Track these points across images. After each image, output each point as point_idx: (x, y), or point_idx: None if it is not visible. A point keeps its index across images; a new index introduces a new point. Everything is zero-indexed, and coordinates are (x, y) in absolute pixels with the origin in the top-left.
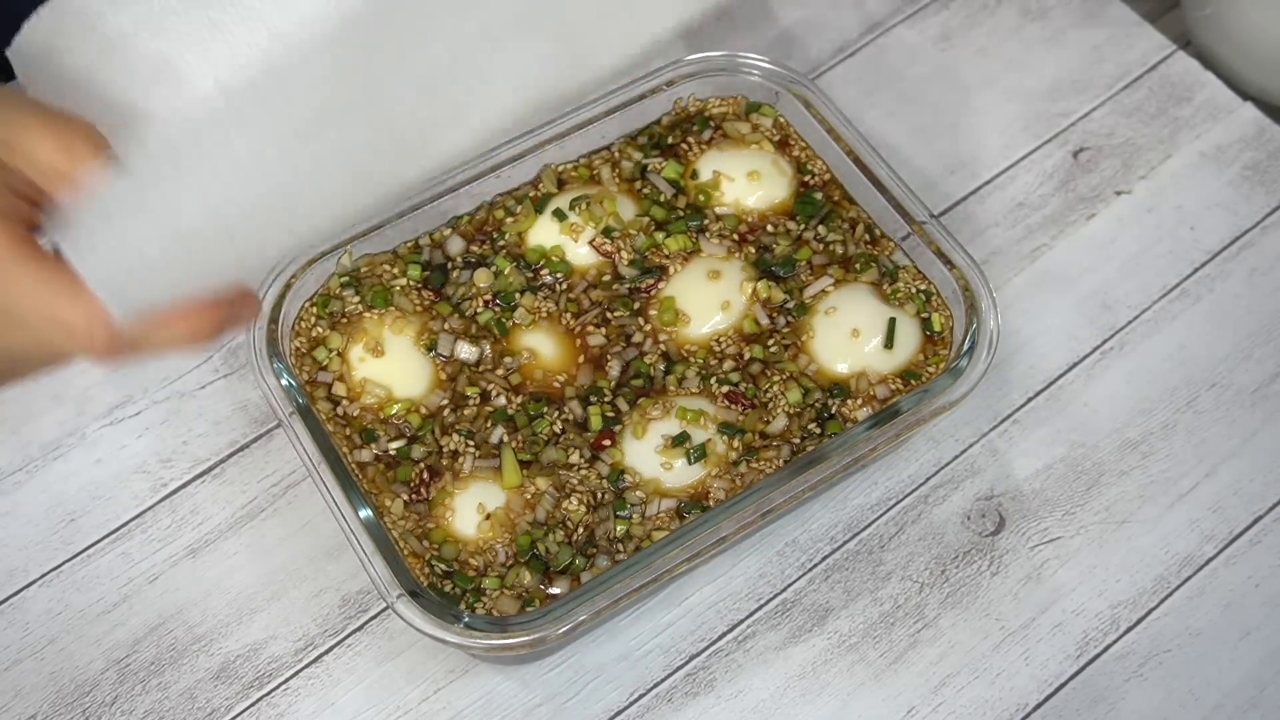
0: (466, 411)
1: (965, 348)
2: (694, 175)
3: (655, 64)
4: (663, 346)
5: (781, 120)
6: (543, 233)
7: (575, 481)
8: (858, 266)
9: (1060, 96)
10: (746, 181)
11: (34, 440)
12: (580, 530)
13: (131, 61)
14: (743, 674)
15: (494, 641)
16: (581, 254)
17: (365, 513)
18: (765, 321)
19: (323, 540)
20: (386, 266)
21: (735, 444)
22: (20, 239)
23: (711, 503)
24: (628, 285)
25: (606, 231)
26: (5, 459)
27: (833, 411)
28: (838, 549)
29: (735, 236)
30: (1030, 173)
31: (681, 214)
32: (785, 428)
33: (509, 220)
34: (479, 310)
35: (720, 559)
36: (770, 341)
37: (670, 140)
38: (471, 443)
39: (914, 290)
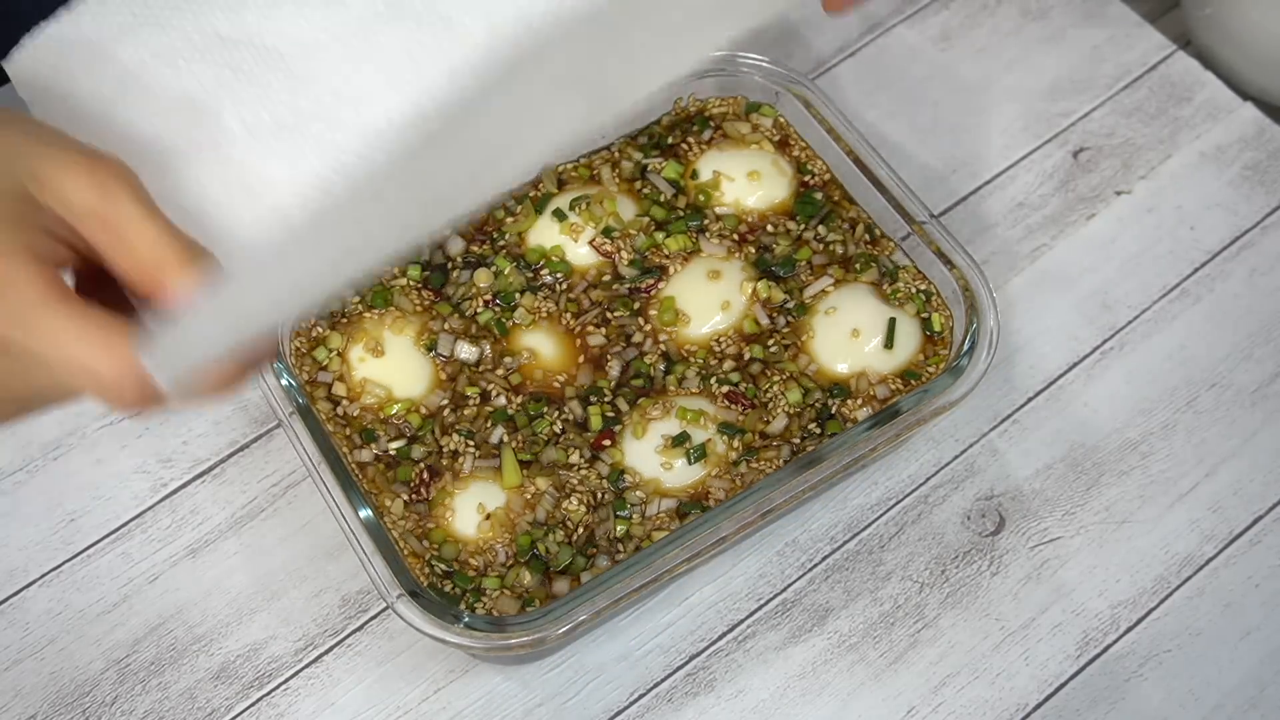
0: (466, 411)
1: (965, 348)
2: (694, 175)
3: None
4: (663, 346)
5: (781, 120)
6: (543, 233)
7: (575, 481)
8: (858, 266)
9: (1060, 96)
10: (746, 181)
11: (34, 440)
12: (580, 530)
13: (153, 94)
14: (743, 674)
15: (494, 641)
16: (581, 254)
17: (365, 513)
18: (765, 321)
19: (323, 540)
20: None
21: (735, 444)
22: (52, 283)
23: (711, 503)
24: (628, 285)
25: (606, 231)
26: (5, 459)
27: (833, 411)
28: (838, 549)
29: (735, 236)
30: (1030, 173)
31: (681, 214)
32: (785, 428)
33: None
34: (479, 310)
35: (720, 559)
36: (770, 341)
37: (670, 140)
38: (471, 443)
39: (914, 290)
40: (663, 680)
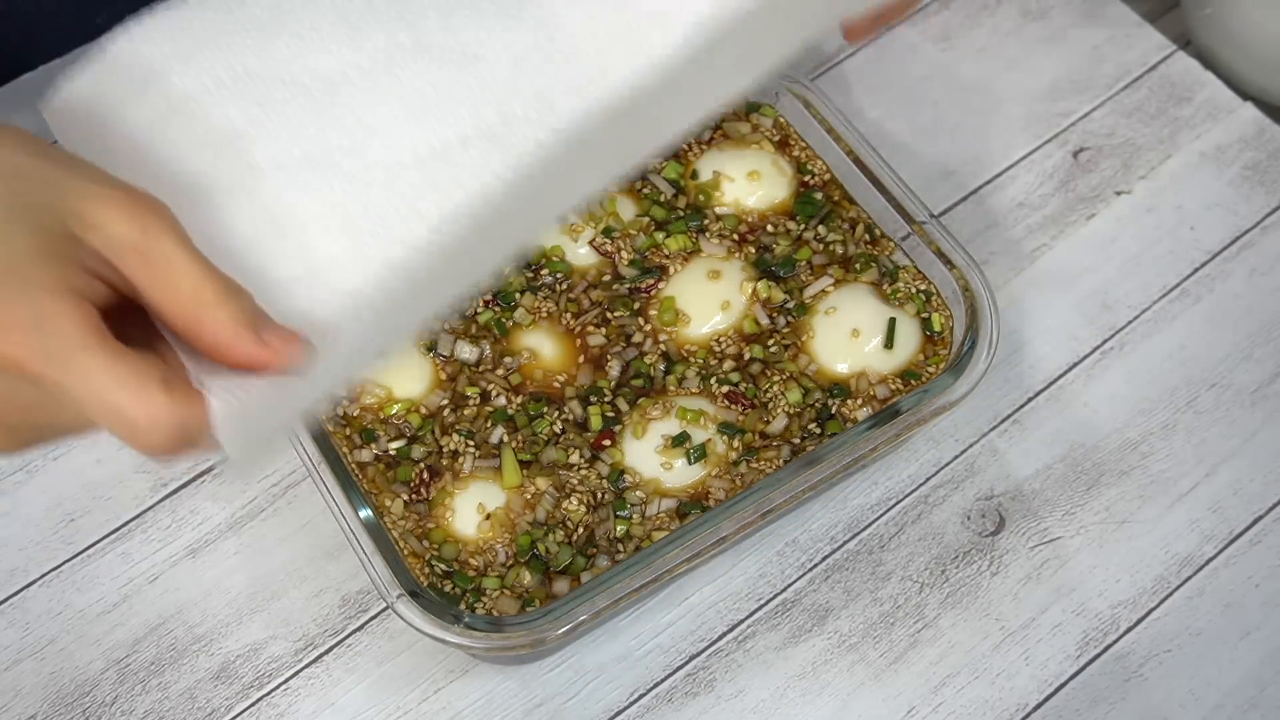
0: (466, 411)
1: (965, 348)
2: (694, 175)
3: None
4: (663, 346)
5: (781, 120)
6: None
7: (575, 481)
8: (858, 266)
9: (1060, 96)
10: (746, 181)
11: None
12: (580, 530)
13: (182, 133)
14: (743, 674)
15: (494, 641)
16: (582, 254)
17: (365, 513)
18: (765, 321)
19: (323, 540)
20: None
21: (735, 444)
22: (91, 321)
23: (711, 503)
24: (628, 285)
25: (607, 231)
26: (5, 459)
27: (833, 411)
28: (838, 549)
29: (735, 236)
30: (1030, 173)
31: (681, 214)
32: (785, 428)
33: None
34: (479, 310)
35: (720, 559)
36: (770, 341)
37: None
38: (471, 443)
39: (914, 290)
40: (663, 680)
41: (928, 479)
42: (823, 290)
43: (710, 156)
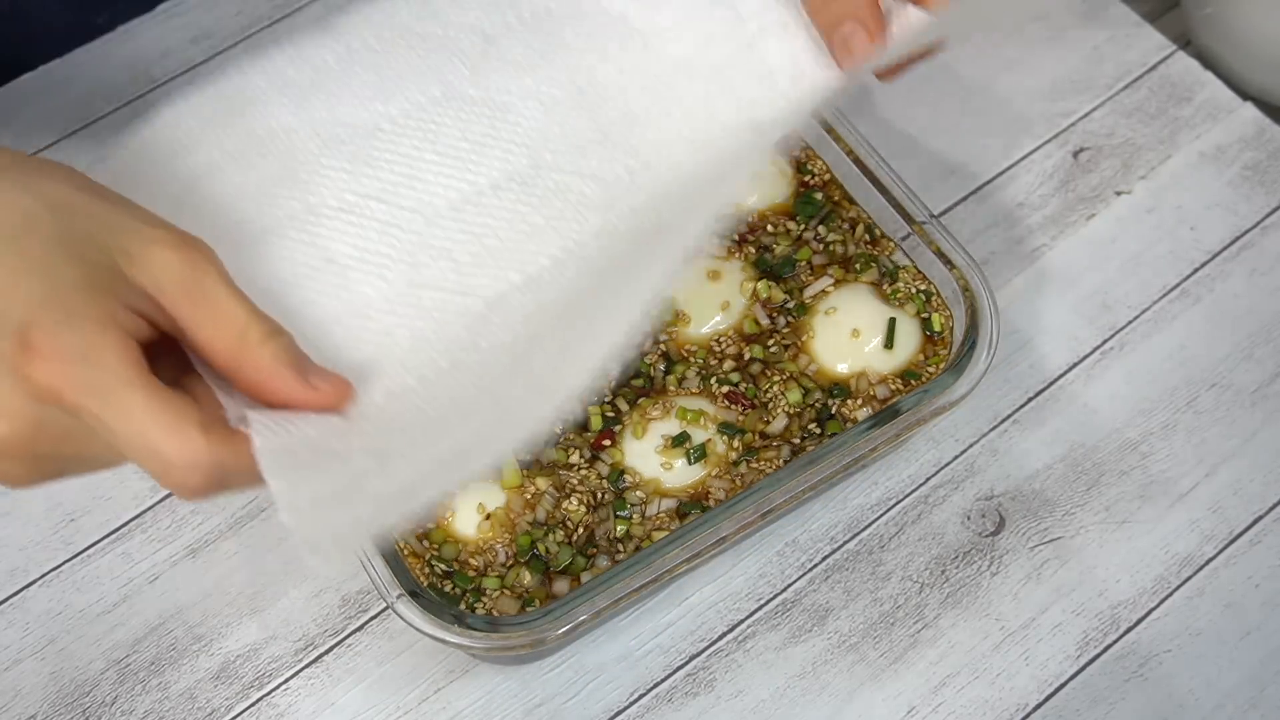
0: None
1: (965, 348)
2: None
3: None
4: (663, 346)
5: None
6: None
7: (575, 481)
8: (858, 266)
9: (1060, 96)
10: (746, 181)
11: None
12: (580, 530)
13: (220, 188)
14: (743, 674)
15: (494, 641)
16: None
17: None
18: (765, 321)
19: None
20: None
21: (735, 444)
22: (135, 358)
23: (711, 503)
24: None
25: None
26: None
27: (833, 411)
28: (838, 549)
29: (735, 236)
30: (1030, 173)
31: None
32: (785, 428)
33: None
34: None
35: (720, 559)
36: (770, 341)
37: None
38: None
39: (914, 290)
40: (663, 680)
41: (928, 479)
42: (823, 290)
43: None
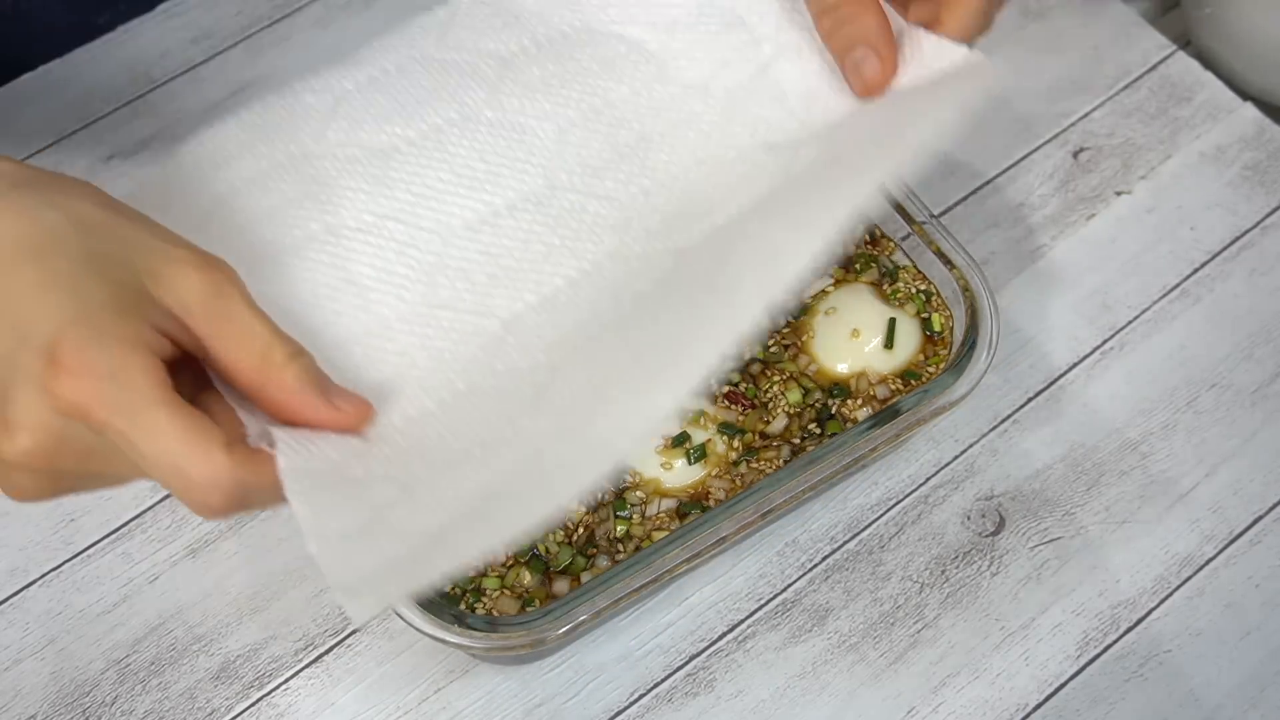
0: None
1: (965, 348)
2: None
3: None
4: None
5: None
6: None
7: None
8: (858, 266)
9: (1060, 96)
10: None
11: None
12: (580, 530)
13: (243, 211)
14: (743, 674)
15: (494, 641)
16: None
17: None
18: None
19: None
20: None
21: (735, 444)
22: (162, 381)
23: (711, 503)
24: None
25: None
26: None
27: (833, 411)
28: (838, 549)
29: None
30: (1030, 173)
31: None
32: (785, 428)
33: None
34: None
35: (720, 559)
36: (770, 341)
37: None
38: None
39: (914, 290)
40: (663, 680)
41: (928, 479)
42: (823, 290)
43: None
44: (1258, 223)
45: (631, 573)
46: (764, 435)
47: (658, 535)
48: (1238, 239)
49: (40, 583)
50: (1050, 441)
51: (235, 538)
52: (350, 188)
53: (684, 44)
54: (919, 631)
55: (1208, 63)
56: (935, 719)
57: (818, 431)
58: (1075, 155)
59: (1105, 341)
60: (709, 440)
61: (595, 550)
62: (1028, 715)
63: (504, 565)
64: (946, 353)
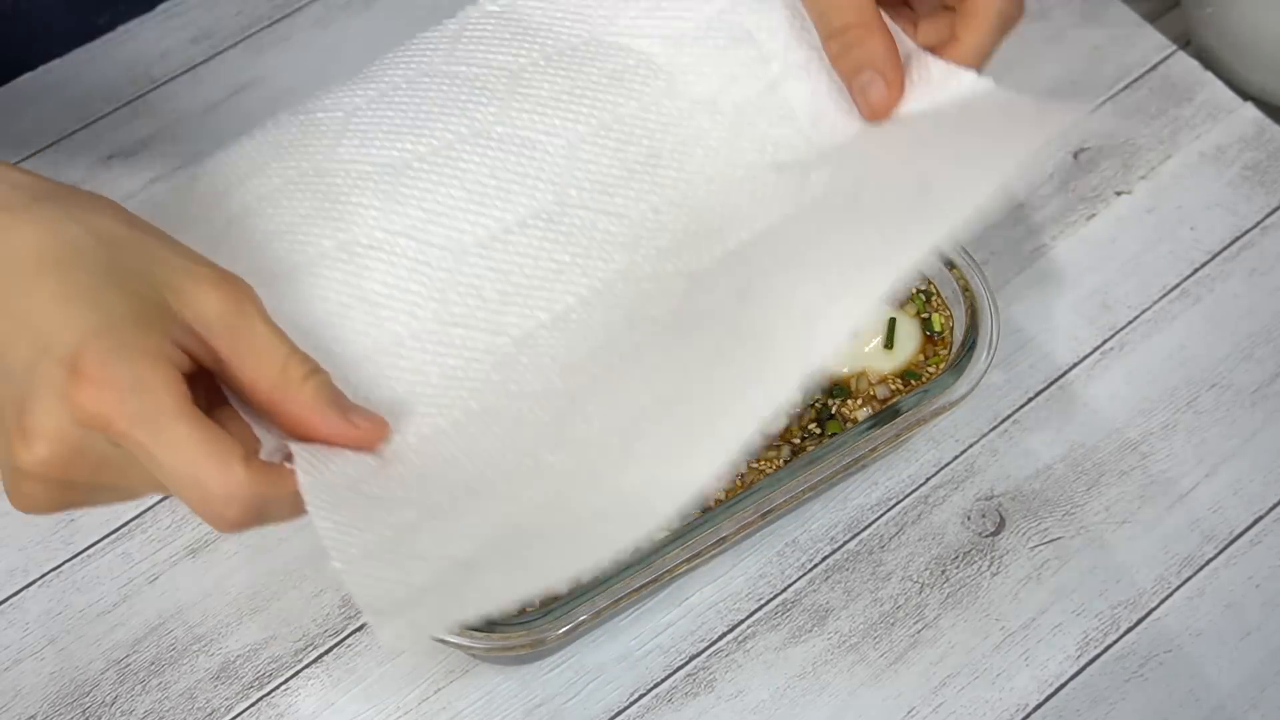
0: None
1: (965, 348)
2: None
3: None
4: None
5: None
6: None
7: None
8: None
9: (1060, 96)
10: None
11: None
12: None
13: (256, 229)
14: (743, 674)
15: (494, 642)
16: None
17: None
18: None
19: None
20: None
21: None
22: (183, 395)
23: (711, 503)
24: None
25: None
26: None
27: (833, 411)
28: (838, 549)
29: None
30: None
31: None
32: (785, 428)
33: None
34: None
35: (720, 559)
36: None
37: None
38: None
39: (914, 290)
40: (663, 680)
41: (928, 479)
42: None
43: None
44: (1258, 223)
45: (631, 573)
46: (764, 435)
47: (658, 535)
48: (1238, 239)
49: (40, 583)
50: (1050, 441)
51: (235, 538)
52: (362, 204)
53: (692, 58)
54: (919, 632)
55: (1208, 63)
56: (935, 719)
57: (818, 431)
58: (1075, 155)
59: (1105, 341)
60: None
61: None
62: (1028, 715)
63: None
64: (946, 353)
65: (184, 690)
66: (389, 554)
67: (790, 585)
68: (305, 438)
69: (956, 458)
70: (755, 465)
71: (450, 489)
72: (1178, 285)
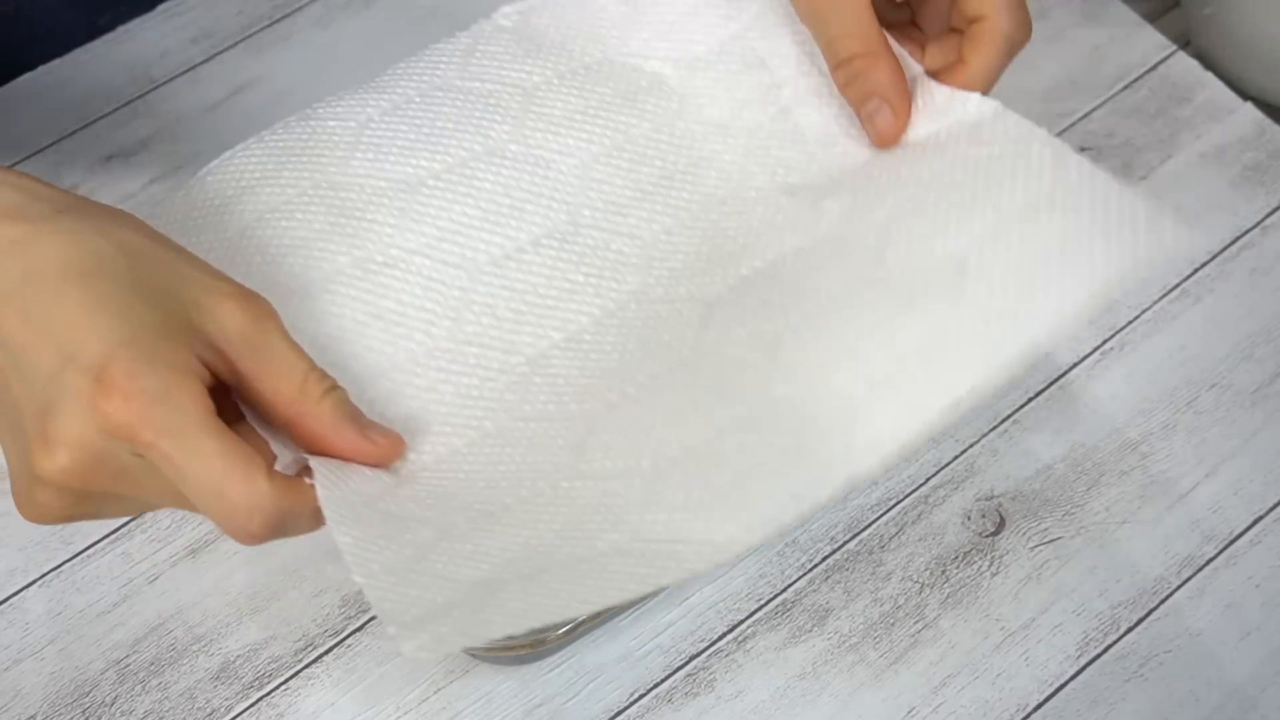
0: None
1: None
2: None
3: None
4: None
5: None
6: None
7: None
8: None
9: (1060, 96)
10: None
11: None
12: None
13: (270, 242)
14: (743, 674)
15: (494, 641)
16: None
17: None
18: None
19: (323, 540)
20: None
21: None
22: (209, 407)
23: None
24: None
25: None
26: (5, 459)
27: None
28: (838, 549)
29: None
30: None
31: None
32: None
33: None
34: None
35: None
36: None
37: None
38: None
39: None
40: (663, 680)
41: (928, 479)
42: None
43: None
44: (1258, 223)
45: None
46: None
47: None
48: (1238, 239)
49: (40, 583)
50: (1050, 441)
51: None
52: (377, 221)
53: (705, 81)
54: (919, 632)
55: (1208, 63)
56: (935, 719)
57: None
58: None
59: (1105, 341)
60: None
61: None
62: (1028, 715)
63: None
64: None
65: (184, 690)
66: (410, 571)
67: (790, 585)
68: (322, 453)
69: (956, 458)
70: None
71: (466, 510)
72: (1178, 285)
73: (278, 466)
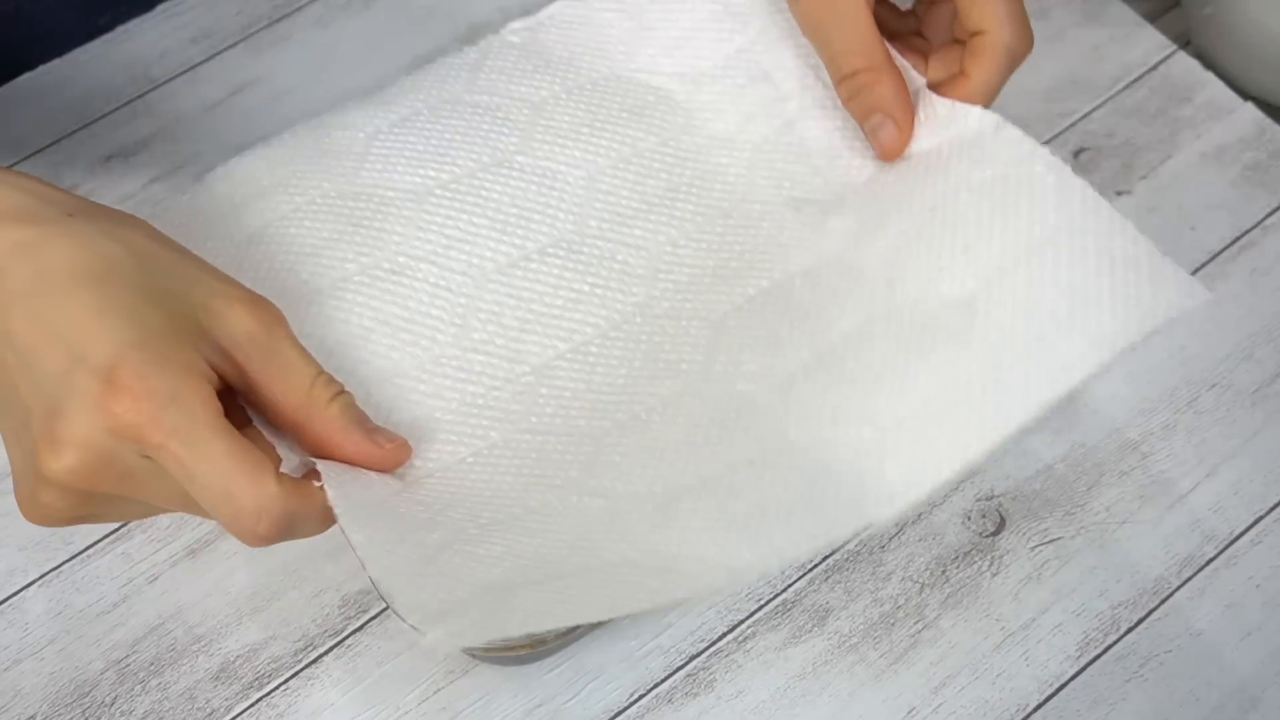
0: None
1: None
2: None
3: None
4: None
5: None
6: None
7: None
8: None
9: (1060, 96)
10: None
11: None
12: None
13: (278, 250)
14: (743, 674)
15: (494, 641)
16: None
17: None
18: None
19: (322, 541)
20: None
21: None
22: (218, 409)
23: None
24: None
25: None
26: (5, 458)
27: None
28: (838, 549)
29: None
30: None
31: None
32: None
33: None
34: None
35: None
36: None
37: None
38: None
39: None
40: (663, 680)
41: None
42: None
43: None
44: (1258, 223)
45: None
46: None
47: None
48: (1238, 239)
49: (40, 583)
50: (1050, 441)
51: (235, 539)
52: (385, 229)
53: (711, 96)
54: (919, 632)
55: (1208, 63)
56: (935, 719)
57: None
58: (1075, 155)
59: None
60: None
61: None
62: (1028, 716)
63: None
64: None
65: (184, 690)
66: (422, 571)
67: (790, 585)
68: (330, 457)
69: None
70: None
71: (475, 517)
72: None
73: (284, 470)
